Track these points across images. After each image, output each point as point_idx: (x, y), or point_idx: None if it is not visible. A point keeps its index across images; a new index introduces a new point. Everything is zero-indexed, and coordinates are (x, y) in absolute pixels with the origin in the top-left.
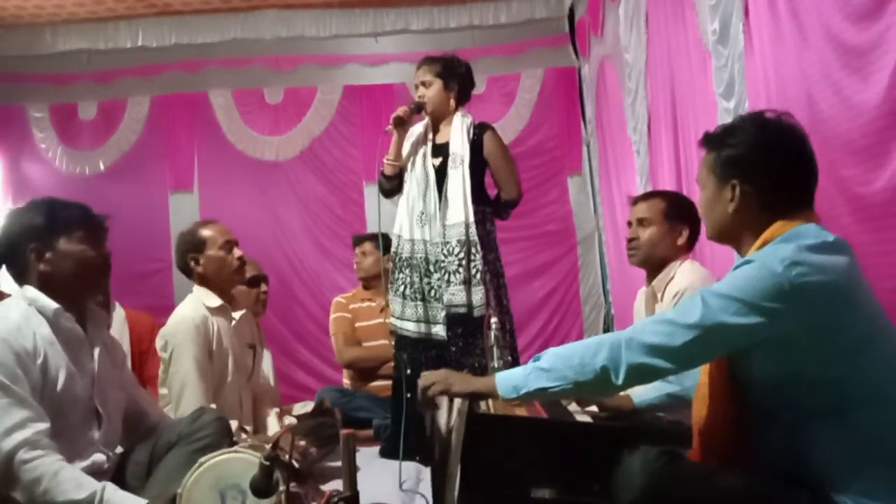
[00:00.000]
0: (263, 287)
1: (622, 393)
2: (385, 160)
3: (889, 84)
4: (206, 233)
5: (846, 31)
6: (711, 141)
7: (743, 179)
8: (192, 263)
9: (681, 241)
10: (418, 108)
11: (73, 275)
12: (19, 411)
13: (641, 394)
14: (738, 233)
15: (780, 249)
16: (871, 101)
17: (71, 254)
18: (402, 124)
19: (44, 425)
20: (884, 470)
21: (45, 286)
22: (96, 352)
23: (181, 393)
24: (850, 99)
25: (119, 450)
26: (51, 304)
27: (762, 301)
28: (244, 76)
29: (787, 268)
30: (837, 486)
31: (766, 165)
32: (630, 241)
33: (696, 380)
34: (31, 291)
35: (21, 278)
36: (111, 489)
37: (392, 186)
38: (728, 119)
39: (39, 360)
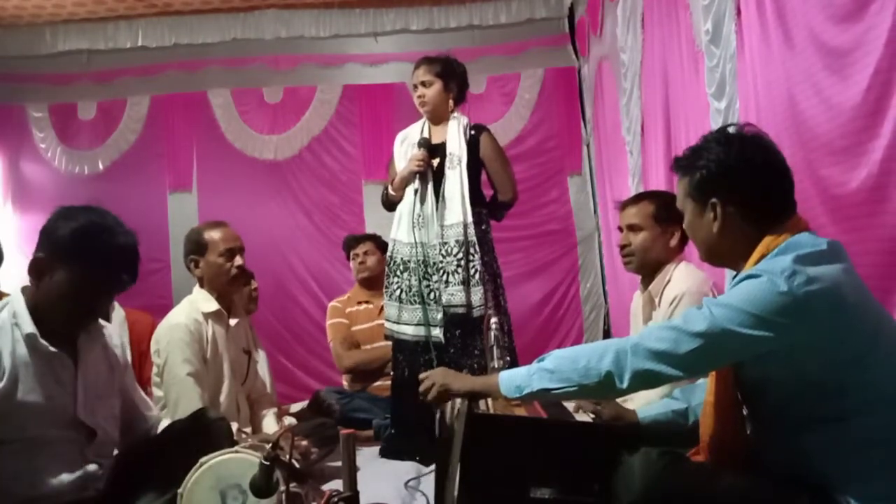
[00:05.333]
0: (254, 284)
1: (630, 405)
2: (391, 188)
3: (868, 85)
4: (209, 236)
5: (828, 31)
6: (682, 166)
7: (721, 197)
8: (192, 265)
9: (673, 242)
10: (426, 143)
11: (52, 307)
12: None
13: (646, 408)
14: (729, 252)
15: (779, 262)
16: (850, 101)
17: (61, 290)
18: (426, 168)
19: None
20: (890, 473)
21: (31, 299)
22: (85, 365)
23: (178, 400)
24: (830, 100)
25: (114, 452)
26: (26, 328)
27: (768, 315)
28: (243, 76)
29: (789, 279)
30: (842, 490)
31: (739, 180)
32: (623, 247)
33: (703, 398)
34: (17, 303)
35: (28, 276)
36: None
37: (398, 200)
38: (719, 119)
39: (2, 383)
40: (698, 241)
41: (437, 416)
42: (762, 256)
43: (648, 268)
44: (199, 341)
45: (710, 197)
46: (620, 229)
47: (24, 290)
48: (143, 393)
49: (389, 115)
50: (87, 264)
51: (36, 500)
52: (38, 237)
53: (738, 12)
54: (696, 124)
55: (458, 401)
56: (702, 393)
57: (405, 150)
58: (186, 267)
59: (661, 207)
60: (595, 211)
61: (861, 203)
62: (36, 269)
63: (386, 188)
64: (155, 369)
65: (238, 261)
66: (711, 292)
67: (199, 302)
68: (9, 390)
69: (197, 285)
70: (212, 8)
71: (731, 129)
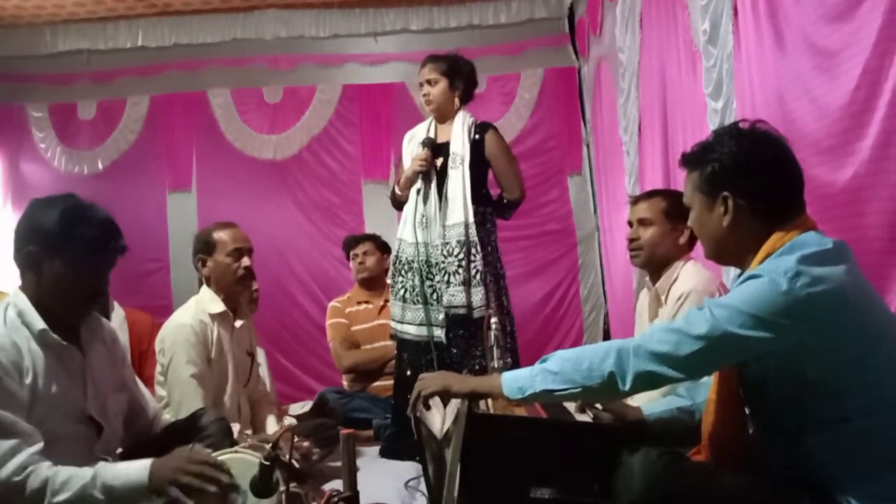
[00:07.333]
0: (254, 285)
1: (634, 404)
2: (397, 187)
3: (857, 85)
4: (218, 236)
5: (819, 31)
6: (691, 160)
7: (732, 191)
8: (200, 265)
9: (682, 240)
10: (430, 143)
11: (57, 295)
12: (10, 438)
13: (651, 406)
14: (736, 248)
15: (783, 262)
16: (838, 101)
17: (62, 275)
18: (430, 167)
19: (37, 447)
20: (891, 474)
21: (33, 294)
22: (90, 360)
23: (181, 401)
24: (818, 99)
25: (119, 450)
26: (36, 324)
27: (770, 315)
28: (243, 76)
29: (792, 280)
30: (843, 490)
31: (751, 175)
32: (631, 241)
33: (708, 396)
34: (21, 301)
35: (21, 276)
36: (106, 465)
37: (405, 200)
38: (716, 119)
39: (29, 379)
40: (706, 236)
41: (413, 420)
42: (767, 255)
43: (655, 264)
44: (204, 342)
45: (722, 190)
46: (630, 224)
47: (21, 289)
48: (142, 386)
49: (389, 114)
50: (81, 243)
51: None
52: (19, 234)
53: (735, 12)
54: (693, 124)
55: (452, 405)
56: (706, 390)
57: (412, 149)
58: (194, 266)
59: (673, 205)
60: (595, 211)
61: (848, 203)
62: (33, 261)
63: (393, 188)
64: (159, 368)
65: (245, 261)
66: (718, 291)
67: (206, 303)
68: (32, 387)
69: (204, 285)
70: (212, 8)
71: (742, 125)
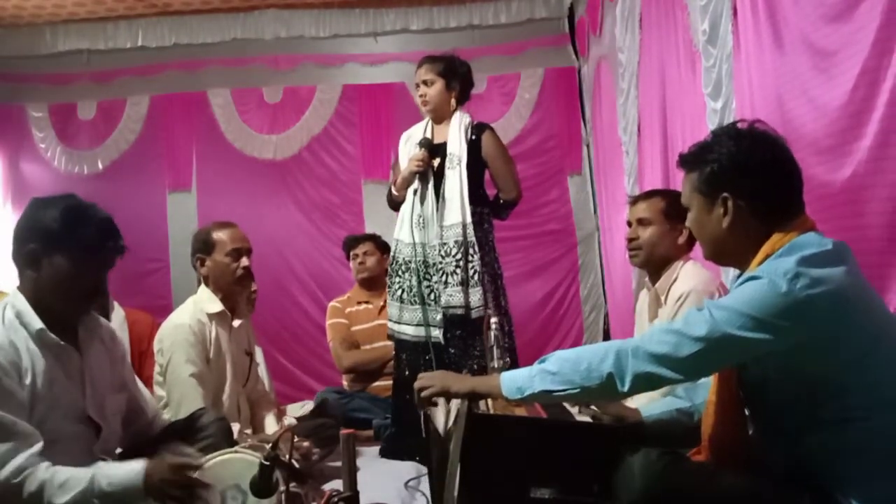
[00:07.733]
0: (253, 286)
1: (632, 405)
2: (393, 188)
3: (854, 85)
4: (217, 236)
5: (817, 31)
6: (690, 161)
7: (731, 192)
8: (198, 264)
9: (681, 239)
10: (427, 144)
11: (56, 293)
12: (8, 439)
13: (650, 407)
14: (735, 249)
15: (782, 263)
16: (836, 101)
17: (62, 273)
18: (427, 168)
19: (36, 447)
20: (891, 475)
21: (32, 293)
22: (88, 360)
23: (181, 401)
24: (816, 99)
25: (118, 451)
26: (34, 324)
27: (769, 317)
28: (243, 76)
29: (791, 282)
30: (844, 492)
31: (750, 176)
32: (630, 241)
33: (707, 397)
34: (19, 301)
35: (20, 275)
36: (103, 465)
37: (402, 200)
38: (716, 119)
39: (28, 379)
40: (705, 237)
41: (422, 417)
42: (767, 256)
43: (654, 264)
44: (203, 342)
45: (721, 191)
46: (629, 224)
47: (20, 288)
48: (142, 386)
49: (389, 114)
50: (81, 241)
51: None
52: (19, 232)
53: (735, 12)
54: (692, 124)
55: (454, 403)
56: (705, 391)
57: (409, 149)
58: (192, 265)
59: (672, 205)
60: (595, 211)
61: (846, 203)
62: (32, 259)
63: (390, 188)
64: (158, 368)
65: (244, 261)
66: (718, 291)
67: (204, 302)
68: (31, 388)
69: (202, 285)
70: (212, 8)
71: (741, 126)
